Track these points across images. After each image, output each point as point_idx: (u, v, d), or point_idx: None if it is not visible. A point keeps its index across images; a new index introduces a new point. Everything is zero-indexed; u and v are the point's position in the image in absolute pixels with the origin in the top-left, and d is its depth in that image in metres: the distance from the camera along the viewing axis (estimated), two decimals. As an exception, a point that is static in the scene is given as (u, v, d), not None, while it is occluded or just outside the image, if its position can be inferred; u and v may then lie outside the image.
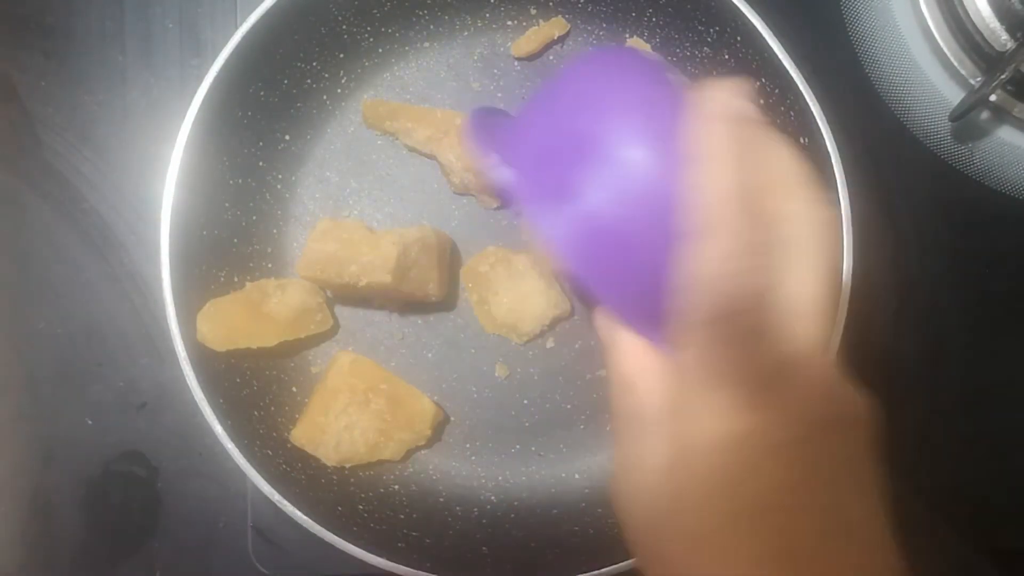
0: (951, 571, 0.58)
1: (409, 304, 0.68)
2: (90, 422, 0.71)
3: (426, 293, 0.65)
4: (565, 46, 0.71)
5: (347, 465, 0.64)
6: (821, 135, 0.60)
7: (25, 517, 0.70)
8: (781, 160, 0.39)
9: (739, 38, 0.63)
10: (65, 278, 0.72)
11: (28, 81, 0.74)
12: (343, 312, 0.69)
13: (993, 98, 0.66)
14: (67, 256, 0.72)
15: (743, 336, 0.36)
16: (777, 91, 0.63)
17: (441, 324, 0.70)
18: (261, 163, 0.68)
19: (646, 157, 0.39)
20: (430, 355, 0.69)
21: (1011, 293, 0.73)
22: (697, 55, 0.68)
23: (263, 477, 0.59)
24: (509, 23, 0.71)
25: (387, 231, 0.63)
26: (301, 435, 0.63)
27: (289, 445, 0.64)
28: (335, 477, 0.65)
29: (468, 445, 0.69)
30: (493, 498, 0.68)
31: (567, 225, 0.40)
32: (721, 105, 0.39)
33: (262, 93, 0.66)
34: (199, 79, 0.61)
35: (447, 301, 0.69)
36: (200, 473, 0.70)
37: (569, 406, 0.69)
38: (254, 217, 0.68)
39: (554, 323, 0.68)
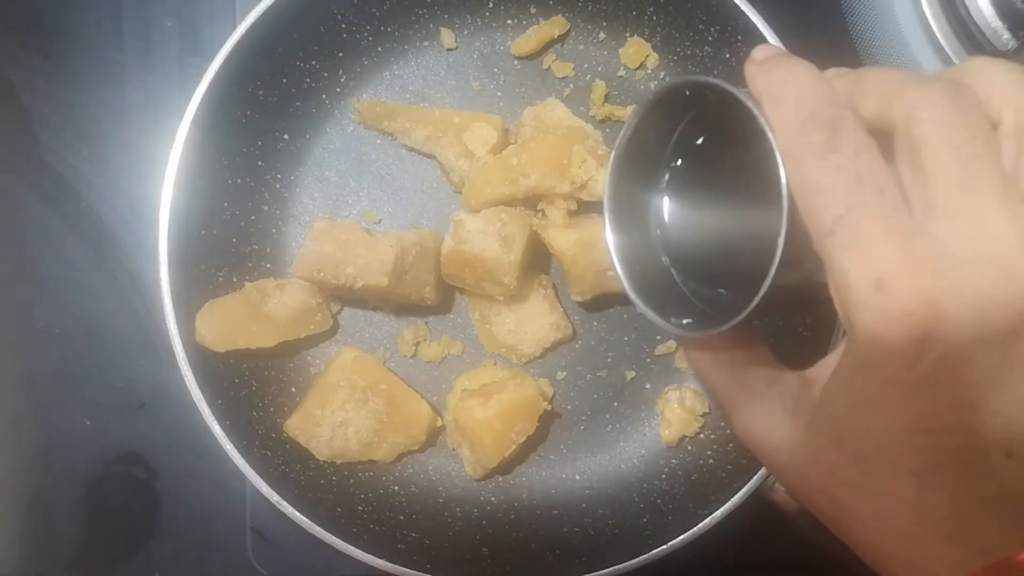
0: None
1: (404, 306, 0.68)
2: (88, 423, 0.71)
3: (422, 297, 0.65)
4: (566, 45, 0.71)
5: (337, 461, 0.64)
6: (822, 134, 0.60)
7: (23, 518, 0.70)
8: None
9: (740, 37, 0.63)
10: (63, 278, 0.72)
11: (26, 80, 0.73)
12: (343, 312, 0.69)
13: (995, 97, 0.66)
14: (65, 256, 0.72)
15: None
16: (778, 90, 0.62)
17: (441, 326, 0.69)
18: (260, 162, 0.68)
19: None
20: (430, 356, 0.69)
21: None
22: (698, 54, 0.67)
23: (262, 478, 0.59)
24: (509, 22, 0.70)
25: (385, 233, 0.63)
26: (295, 426, 0.63)
27: (288, 446, 0.64)
28: (334, 478, 0.65)
29: (468, 445, 0.68)
30: (493, 499, 0.67)
31: None
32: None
33: (261, 92, 0.66)
34: (198, 78, 0.61)
35: (442, 304, 0.69)
36: (199, 474, 0.70)
37: (569, 407, 0.69)
38: (253, 217, 0.68)
39: (555, 346, 0.68)
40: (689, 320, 0.43)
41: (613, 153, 0.45)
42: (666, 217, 0.47)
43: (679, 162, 0.46)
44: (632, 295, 0.44)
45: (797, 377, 0.39)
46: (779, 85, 0.35)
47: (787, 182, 0.34)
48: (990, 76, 0.35)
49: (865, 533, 0.37)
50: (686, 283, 0.46)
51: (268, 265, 0.68)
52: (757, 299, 0.37)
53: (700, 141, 0.45)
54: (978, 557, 0.34)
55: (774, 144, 0.35)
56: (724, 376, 0.42)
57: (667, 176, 0.46)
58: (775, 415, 0.39)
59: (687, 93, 0.41)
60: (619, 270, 0.45)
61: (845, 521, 0.37)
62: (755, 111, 0.36)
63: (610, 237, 0.45)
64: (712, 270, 0.45)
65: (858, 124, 0.33)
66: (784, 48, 0.60)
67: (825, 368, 0.37)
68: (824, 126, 0.33)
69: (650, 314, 0.43)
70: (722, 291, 0.44)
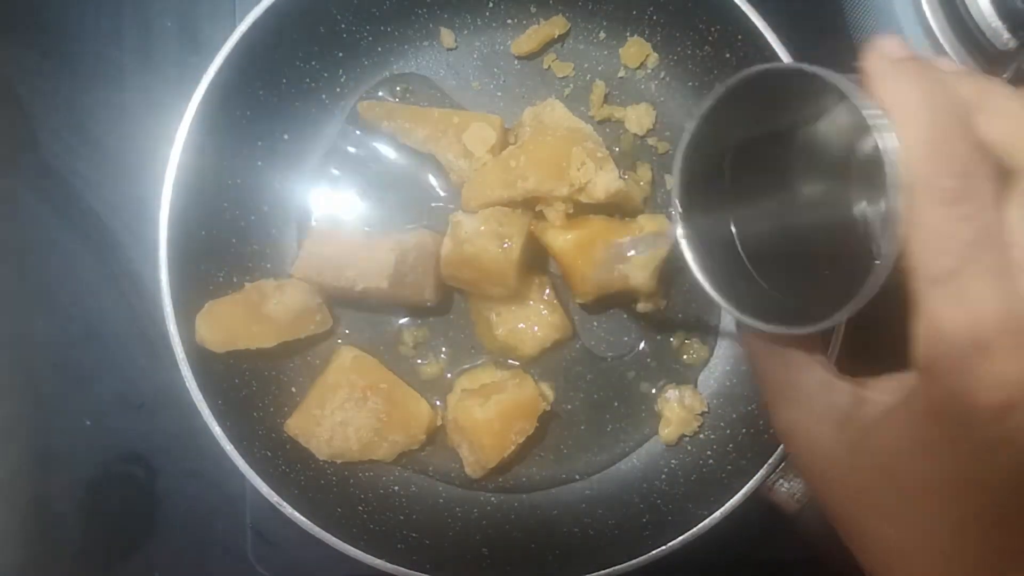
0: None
1: (404, 307, 0.68)
2: (88, 423, 0.71)
3: (422, 298, 0.65)
4: (566, 45, 0.71)
5: (337, 461, 0.64)
6: (823, 135, 0.60)
7: (23, 518, 0.70)
8: None
9: (740, 37, 0.63)
10: (63, 278, 0.72)
11: (25, 80, 0.73)
12: (343, 312, 0.69)
13: (995, 97, 0.66)
14: (65, 256, 0.72)
15: None
16: (778, 90, 0.62)
17: (441, 326, 0.69)
18: (260, 163, 0.68)
19: None
20: (430, 357, 0.69)
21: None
22: (699, 54, 0.67)
23: (262, 478, 0.59)
24: (509, 21, 0.70)
25: (385, 236, 0.63)
26: (295, 425, 0.63)
27: (288, 446, 0.64)
28: (334, 478, 0.65)
29: (468, 445, 0.68)
30: (493, 499, 0.67)
31: None
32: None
33: (261, 92, 0.66)
34: (198, 78, 0.61)
35: (442, 305, 0.69)
36: (199, 474, 0.70)
37: (569, 407, 0.69)
38: (253, 217, 0.68)
39: (555, 346, 0.68)
40: (756, 307, 0.41)
41: (681, 144, 0.42)
42: (738, 207, 0.44)
43: (749, 151, 0.43)
44: (708, 288, 0.42)
45: (851, 391, 0.38)
46: (914, 102, 0.32)
47: (901, 212, 0.31)
48: None
49: (881, 555, 0.37)
50: (762, 274, 0.44)
51: (268, 265, 0.68)
52: (843, 313, 0.35)
53: (772, 130, 0.42)
54: None
55: (893, 169, 0.31)
56: (777, 369, 0.41)
57: (734, 167, 0.44)
58: (820, 423, 0.38)
59: (772, 79, 0.38)
60: (692, 264, 0.42)
61: (860, 536, 0.37)
62: (872, 123, 0.32)
63: (680, 230, 0.43)
64: (785, 263, 0.43)
65: (990, 173, 0.31)
66: (784, 48, 0.59)
67: (883, 390, 0.36)
68: (958, 171, 0.31)
69: (730, 308, 0.41)
70: (794, 284, 0.42)
